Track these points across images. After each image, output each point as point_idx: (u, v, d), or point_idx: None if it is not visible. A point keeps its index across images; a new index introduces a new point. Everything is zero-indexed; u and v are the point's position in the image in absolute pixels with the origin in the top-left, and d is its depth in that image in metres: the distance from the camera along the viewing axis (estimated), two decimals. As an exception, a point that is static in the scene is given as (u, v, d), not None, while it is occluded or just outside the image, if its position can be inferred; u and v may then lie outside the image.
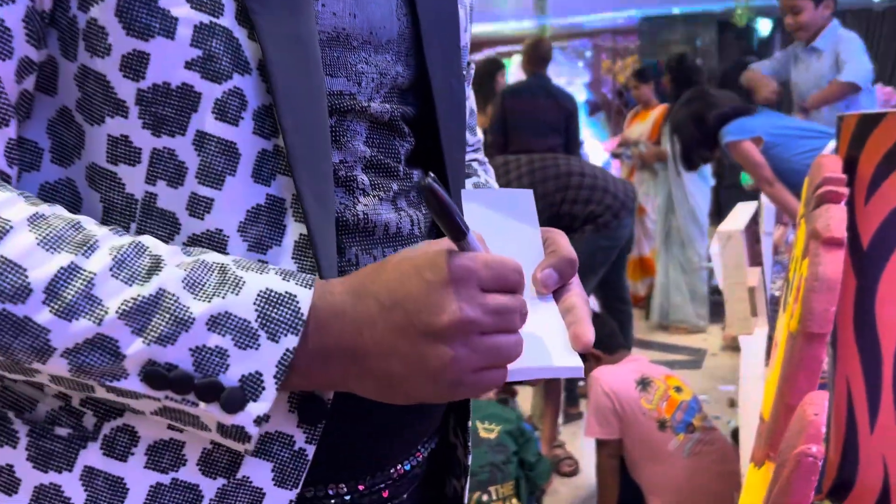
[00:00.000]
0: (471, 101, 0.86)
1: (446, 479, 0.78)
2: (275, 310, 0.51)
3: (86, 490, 0.54)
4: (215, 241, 0.55)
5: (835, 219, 0.75)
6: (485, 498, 2.31)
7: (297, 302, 0.51)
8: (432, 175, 0.50)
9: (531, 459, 2.45)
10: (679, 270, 4.94)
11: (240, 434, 0.51)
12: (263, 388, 0.50)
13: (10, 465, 0.55)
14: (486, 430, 2.46)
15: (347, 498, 0.64)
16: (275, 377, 0.51)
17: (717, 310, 4.72)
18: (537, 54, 4.09)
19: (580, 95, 7.46)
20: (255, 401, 0.50)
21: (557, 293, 0.64)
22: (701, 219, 4.96)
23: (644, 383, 2.60)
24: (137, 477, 0.55)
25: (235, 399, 0.50)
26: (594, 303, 3.90)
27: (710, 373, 4.19)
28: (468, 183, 0.85)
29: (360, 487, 0.65)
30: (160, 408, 0.51)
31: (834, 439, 0.84)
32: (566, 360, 0.58)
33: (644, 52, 8.40)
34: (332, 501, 0.64)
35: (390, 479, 0.67)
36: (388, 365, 0.51)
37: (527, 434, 2.53)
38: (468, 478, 0.78)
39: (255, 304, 0.51)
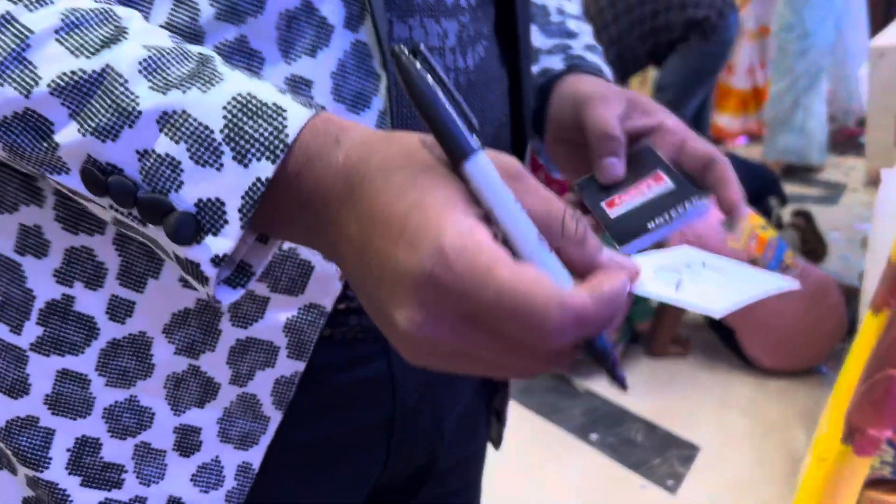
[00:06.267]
0: None
1: None
2: (251, 121, 0.38)
3: (120, 255, 0.49)
4: None
5: None
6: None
7: (284, 118, 0.38)
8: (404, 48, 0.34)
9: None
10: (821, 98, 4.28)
11: (195, 272, 0.40)
12: (225, 222, 0.38)
13: (38, 227, 0.49)
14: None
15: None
16: (240, 211, 0.38)
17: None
18: None
19: None
20: (214, 235, 0.38)
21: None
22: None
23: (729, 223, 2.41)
24: None
25: (186, 226, 0.39)
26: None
27: (847, 209, 3.89)
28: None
29: None
30: (113, 219, 0.42)
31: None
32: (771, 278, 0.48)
33: None
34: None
35: None
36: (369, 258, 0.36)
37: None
38: None
39: (225, 107, 0.38)
